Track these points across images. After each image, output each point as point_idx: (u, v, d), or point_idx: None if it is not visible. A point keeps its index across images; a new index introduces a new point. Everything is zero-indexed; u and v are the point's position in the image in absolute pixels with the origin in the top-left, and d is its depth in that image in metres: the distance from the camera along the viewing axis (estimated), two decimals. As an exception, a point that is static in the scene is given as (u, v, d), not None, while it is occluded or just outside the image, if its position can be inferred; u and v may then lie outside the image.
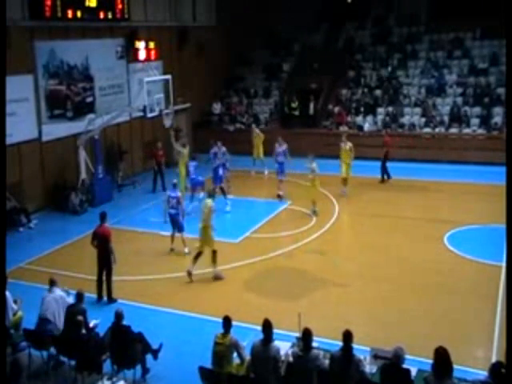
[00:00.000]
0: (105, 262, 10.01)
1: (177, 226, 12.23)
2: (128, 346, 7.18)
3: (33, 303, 8.21)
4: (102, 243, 9.94)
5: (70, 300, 8.08)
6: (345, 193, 15.82)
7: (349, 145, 15.95)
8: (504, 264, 10.51)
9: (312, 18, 24.44)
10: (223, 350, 6.63)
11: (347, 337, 6.18)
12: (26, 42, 14.81)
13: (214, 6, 23.17)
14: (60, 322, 7.77)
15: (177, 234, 12.27)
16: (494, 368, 5.55)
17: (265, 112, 22.96)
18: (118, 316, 7.32)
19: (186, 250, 12.05)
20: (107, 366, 7.38)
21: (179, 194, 12.32)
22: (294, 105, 22.31)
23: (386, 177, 17.10)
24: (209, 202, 10.90)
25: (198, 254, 10.78)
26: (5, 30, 9.09)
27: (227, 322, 6.75)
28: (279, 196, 15.68)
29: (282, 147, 16.12)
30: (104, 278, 10.07)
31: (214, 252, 10.73)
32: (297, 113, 22.23)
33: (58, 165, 15.92)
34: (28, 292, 9.72)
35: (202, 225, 10.80)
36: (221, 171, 15.39)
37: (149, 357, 7.57)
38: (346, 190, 15.84)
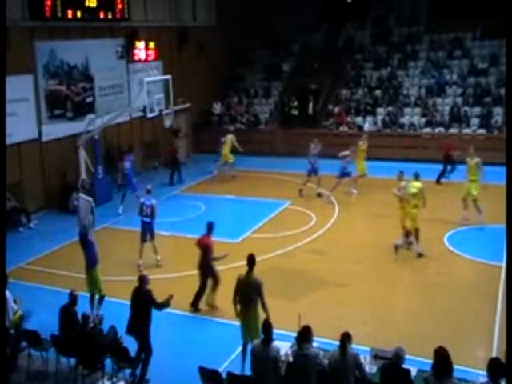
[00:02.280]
0: (204, 273, 9.59)
1: (150, 234, 11.65)
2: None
3: (33, 303, 8.20)
4: (202, 253, 9.55)
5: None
6: (354, 193, 15.62)
7: (366, 144, 16.38)
8: (504, 264, 10.51)
9: (312, 18, 24.45)
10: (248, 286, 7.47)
11: (344, 337, 6.18)
12: (26, 42, 14.82)
13: (213, 5, 23.18)
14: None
15: (147, 244, 11.70)
16: (492, 363, 5.54)
17: (265, 112, 22.96)
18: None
19: (158, 258, 11.69)
20: (107, 366, 7.38)
21: (154, 201, 11.62)
22: (293, 104, 22.33)
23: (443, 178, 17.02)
24: None
25: None
26: (5, 30, 9.08)
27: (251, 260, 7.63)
28: (319, 194, 15.74)
29: (317, 148, 16.04)
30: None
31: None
32: (296, 113, 22.25)
33: (58, 165, 15.92)
34: (28, 292, 9.73)
35: None
36: None
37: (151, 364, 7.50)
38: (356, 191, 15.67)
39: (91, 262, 9.36)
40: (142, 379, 7.37)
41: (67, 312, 7.66)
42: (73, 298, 7.72)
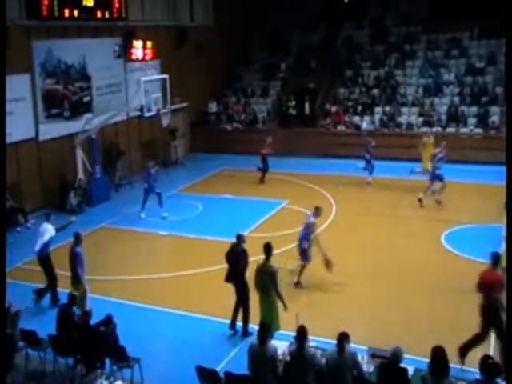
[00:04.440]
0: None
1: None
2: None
3: (30, 303, 8.19)
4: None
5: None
6: (439, 200, 14.67)
7: (432, 139, 16.55)
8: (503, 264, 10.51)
9: (310, 17, 24.46)
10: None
11: (342, 336, 6.20)
12: (23, 41, 14.77)
13: (211, 5, 23.15)
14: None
15: None
16: (483, 362, 5.56)
17: (262, 111, 22.97)
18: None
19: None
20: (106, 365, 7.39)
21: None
22: (291, 104, 22.35)
23: None
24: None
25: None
26: (5, 30, 9.08)
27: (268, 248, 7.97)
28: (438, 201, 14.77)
29: (442, 152, 15.16)
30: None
31: None
32: (294, 112, 22.26)
33: (56, 164, 15.89)
34: (26, 292, 9.72)
35: None
36: None
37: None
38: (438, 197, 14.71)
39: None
40: (245, 328, 8.24)
41: (65, 312, 7.65)
42: (71, 299, 7.71)
